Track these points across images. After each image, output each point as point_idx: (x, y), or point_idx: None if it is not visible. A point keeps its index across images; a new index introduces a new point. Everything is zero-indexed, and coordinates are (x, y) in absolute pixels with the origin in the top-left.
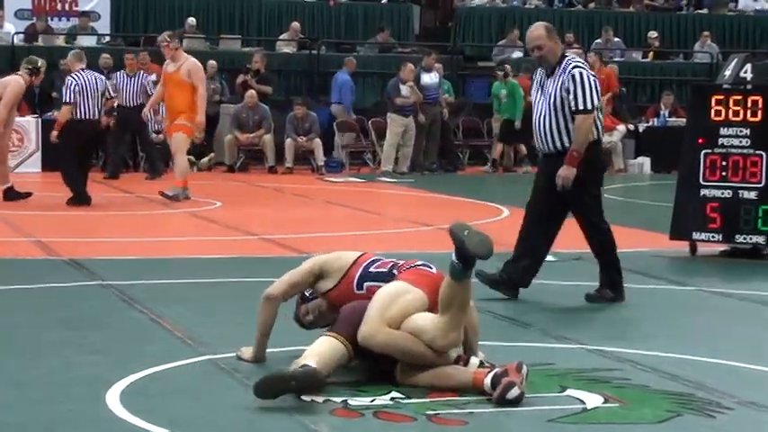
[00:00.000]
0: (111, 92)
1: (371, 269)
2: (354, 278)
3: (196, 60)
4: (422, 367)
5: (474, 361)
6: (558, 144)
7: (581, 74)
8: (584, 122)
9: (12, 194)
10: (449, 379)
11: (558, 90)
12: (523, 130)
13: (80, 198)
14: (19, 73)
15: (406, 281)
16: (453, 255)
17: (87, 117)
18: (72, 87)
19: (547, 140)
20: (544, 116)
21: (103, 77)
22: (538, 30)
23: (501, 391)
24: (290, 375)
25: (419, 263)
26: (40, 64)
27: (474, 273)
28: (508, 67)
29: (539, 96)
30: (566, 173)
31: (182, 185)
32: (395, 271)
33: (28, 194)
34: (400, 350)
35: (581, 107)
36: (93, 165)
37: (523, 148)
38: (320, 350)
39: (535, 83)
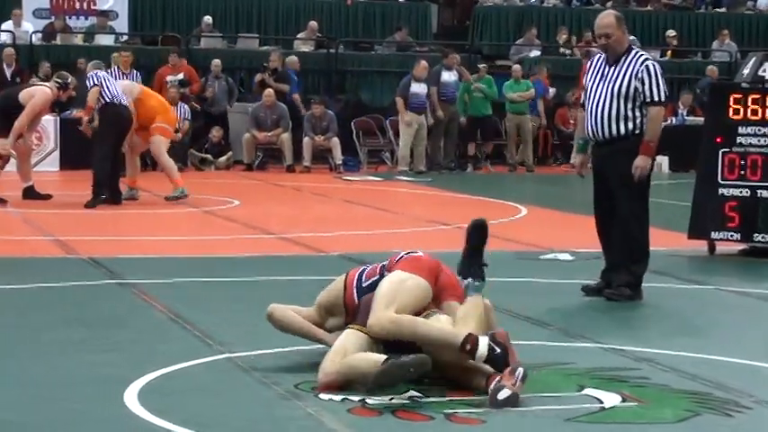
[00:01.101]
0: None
1: (363, 284)
2: (354, 299)
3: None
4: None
5: (482, 351)
6: (615, 130)
7: (654, 66)
8: (658, 113)
9: (32, 194)
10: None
11: (628, 78)
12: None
13: (113, 195)
14: (48, 84)
15: (402, 269)
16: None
17: (114, 102)
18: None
19: (604, 126)
20: (604, 102)
21: (136, 74)
22: (608, 18)
23: (492, 392)
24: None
25: (403, 253)
26: (70, 80)
27: (580, 288)
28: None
29: (597, 83)
30: (643, 163)
31: (180, 184)
32: (386, 272)
33: (48, 196)
34: (411, 332)
35: (656, 98)
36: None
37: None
38: (352, 342)
39: (591, 71)
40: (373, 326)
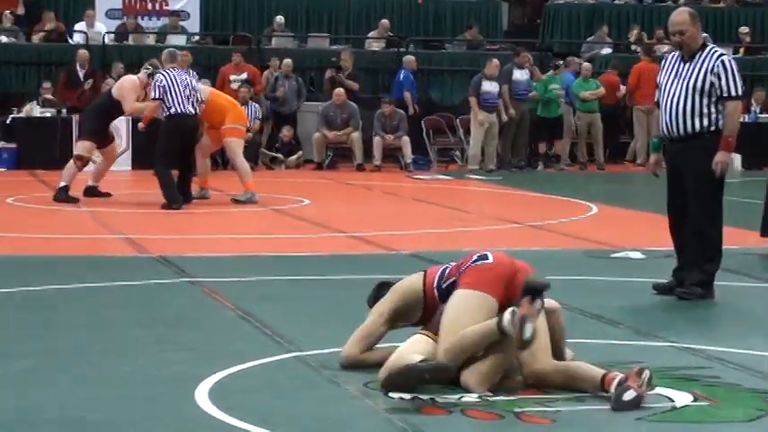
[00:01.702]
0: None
1: (443, 285)
2: (436, 299)
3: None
4: (550, 368)
5: (506, 317)
6: (690, 127)
7: (730, 61)
8: (735, 108)
9: (93, 192)
10: (580, 380)
11: (704, 74)
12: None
13: (171, 201)
14: (133, 75)
15: (467, 286)
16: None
17: (179, 112)
18: (159, 83)
19: (679, 123)
20: (679, 98)
21: (193, 74)
22: (682, 15)
23: (616, 392)
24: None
25: (474, 257)
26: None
27: (652, 286)
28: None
29: (671, 80)
30: (723, 158)
31: (251, 188)
32: (457, 278)
33: (108, 194)
34: (461, 349)
35: (733, 93)
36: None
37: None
38: (416, 349)
39: (666, 67)
40: (441, 354)
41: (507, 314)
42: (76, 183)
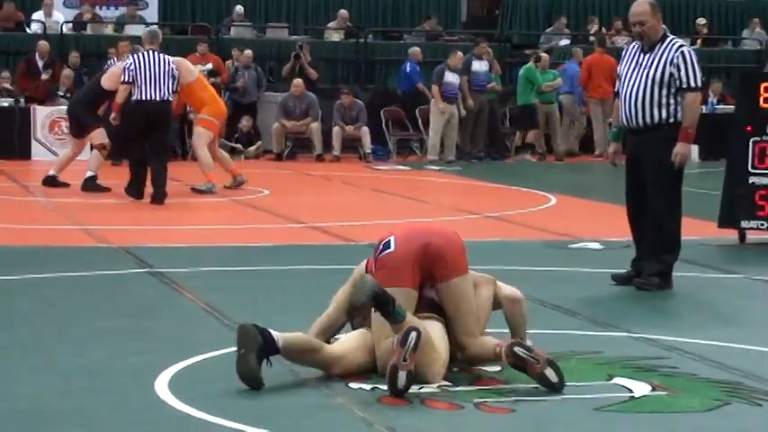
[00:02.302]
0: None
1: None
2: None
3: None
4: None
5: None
6: (649, 117)
7: (689, 53)
8: (695, 99)
9: (53, 181)
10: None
11: (663, 65)
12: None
13: (132, 187)
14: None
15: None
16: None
17: (146, 98)
18: (129, 67)
19: (638, 113)
20: (639, 89)
21: (170, 61)
22: (642, 6)
23: (541, 380)
24: (237, 349)
25: (381, 247)
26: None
27: (610, 277)
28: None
29: (631, 71)
30: (683, 150)
31: (212, 179)
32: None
33: (66, 184)
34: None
35: (692, 84)
36: (168, 153)
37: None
38: (348, 335)
39: (627, 58)
40: (378, 365)
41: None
42: (38, 174)
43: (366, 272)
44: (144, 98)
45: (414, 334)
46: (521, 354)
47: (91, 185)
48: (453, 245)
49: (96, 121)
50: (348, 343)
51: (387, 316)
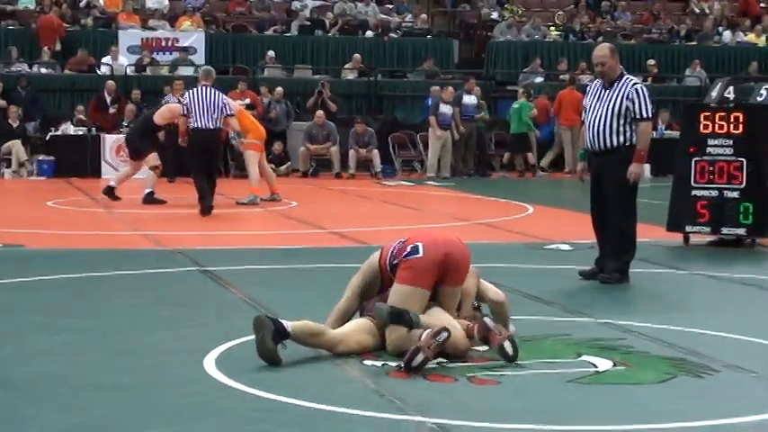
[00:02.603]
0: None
1: (393, 262)
2: (389, 274)
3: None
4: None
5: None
6: (609, 143)
7: (642, 89)
8: (647, 128)
9: (110, 192)
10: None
11: (621, 99)
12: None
13: (203, 203)
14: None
15: (402, 281)
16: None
17: (198, 126)
18: (184, 101)
19: (600, 139)
20: (600, 119)
21: (221, 95)
22: (603, 50)
23: (499, 350)
24: (255, 337)
25: (408, 249)
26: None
27: (578, 272)
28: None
29: (594, 103)
30: (637, 169)
31: (257, 193)
32: (396, 261)
33: (118, 198)
34: (400, 345)
35: (645, 115)
36: (216, 173)
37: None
38: (349, 323)
39: (590, 93)
40: (389, 349)
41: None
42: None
43: (380, 263)
44: (198, 126)
45: (445, 334)
46: (488, 323)
47: (150, 199)
48: (465, 257)
49: (150, 147)
50: (348, 326)
51: (406, 325)
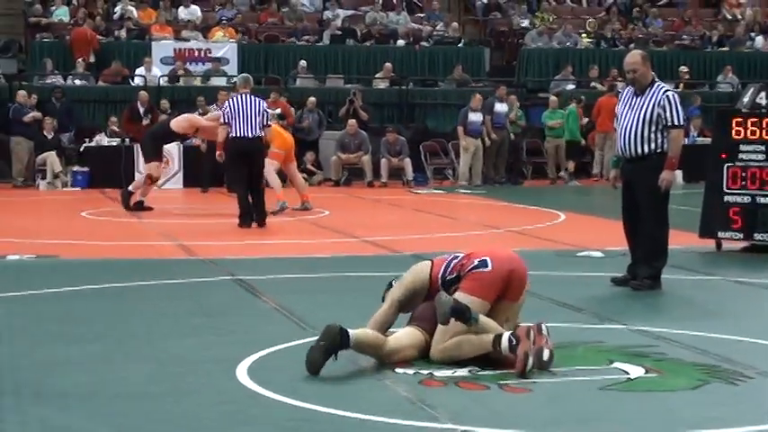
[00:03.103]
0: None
1: (447, 277)
2: (440, 289)
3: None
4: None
5: (504, 344)
6: (641, 150)
7: (674, 96)
8: (678, 135)
9: (139, 205)
10: (476, 346)
11: (652, 106)
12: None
13: (243, 218)
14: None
15: (466, 291)
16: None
17: (238, 135)
18: (224, 110)
19: (632, 146)
20: (632, 126)
21: (262, 101)
22: (635, 57)
23: (535, 356)
24: (317, 339)
25: (476, 262)
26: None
27: (610, 279)
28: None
29: (626, 111)
30: (668, 176)
31: (281, 198)
32: (460, 273)
33: (150, 208)
34: (458, 353)
35: (676, 123)
36: (262, 184)
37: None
38: (401, 334)
39: (622, 100)
40: (433, 357)
41: (504, 340)
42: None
43: (431, 275)
44: (239, 135)
45: (545, 326)
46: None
47: (136, 206)
48: (524, 279)
49: (153, 155)
50: (402, 341)
51: (465, 322)
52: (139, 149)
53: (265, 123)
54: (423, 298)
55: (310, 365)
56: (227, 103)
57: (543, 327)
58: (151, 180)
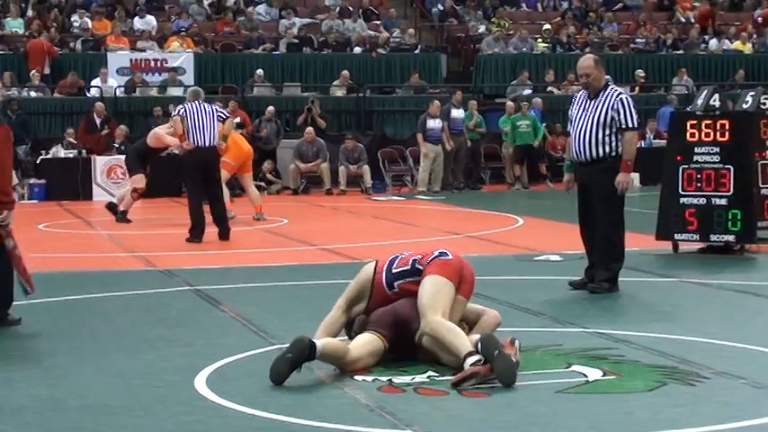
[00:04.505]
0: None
1: (394, 270)
2: (383, 284)
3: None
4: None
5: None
6: (595, 153)
7: (627, 99)
8: (633, 137)
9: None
10: (458, 345)
11: (606, 110)
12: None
13: (194, 232)
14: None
15: (436, 273)
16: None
17: (195, 145)
18: (179, 110)
19: (586, 150)
20: (586, 130)
21: (214, 106)
22: (587, 61)
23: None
24: (285, 351)
25: (437, 253)
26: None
27: (568, 283)
28: (510, 104)
29: (580, 114)
30: (624, 179)
31: (230, 207)
32: (418, 266)
33: (129, 221)
34: (443, 336)
35: (630, 125)
36: (220, 193)
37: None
38: (362, 341)
39: (576, 104)
40: (425, 327)
41: (471, 359)
42: (99, 211)
43: (374, 274)
44: (194, 145)
45: (518, 341)
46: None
47: (122, 218)
48: (473, 276)
49: (138, 168)
50: (362, 349)
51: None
52: (124, 164)
53: (225, 117)
54: (369, 293)
55: (276, 377)
56: (182, 107)
57: (516, 341)
58: (137, 192)
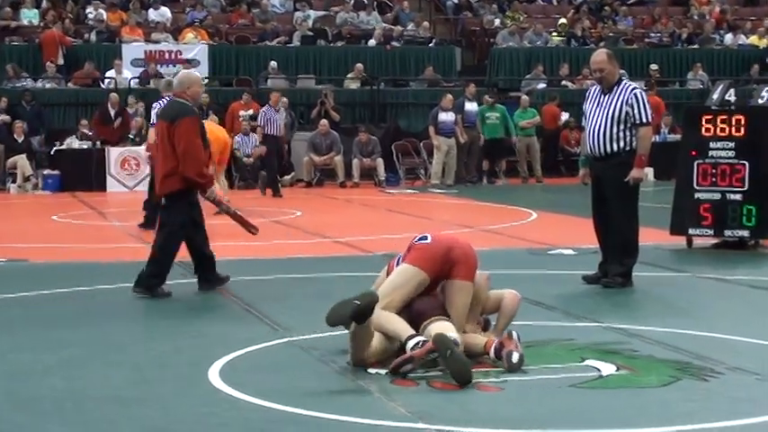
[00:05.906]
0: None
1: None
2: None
3: None
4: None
5: (409, 346)
6: (609, 148)
7: (641, 93)
8: (647, 132)
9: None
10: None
11: (620, 105)
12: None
13: (147, 221)
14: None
15: (407, 261)
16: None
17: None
18: (154, 110)
19: (600, 145)
20: (600, 125)
21: (161, 102)
22: (601, 55)
23: (506, 360)
24: (352, 298)
25: (417, 237)
26: None
27: (582, 277)
28: (525, 98)
29: (594, 109)
30: (638, 174)
31: None
32: (402, 261)
33: None
34: (378, 324)
35: (644, 120)
36: None
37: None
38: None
39: (590, 98)
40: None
41: (411, 344)
42: (112, 203)
43: (387, 272)
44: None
45: (516, 333)
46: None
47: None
48: (472, 254)
49: None
50: (375, 345)
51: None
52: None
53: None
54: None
55: (334, 318)
56: (158, 105)
57: (514, 333)
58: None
